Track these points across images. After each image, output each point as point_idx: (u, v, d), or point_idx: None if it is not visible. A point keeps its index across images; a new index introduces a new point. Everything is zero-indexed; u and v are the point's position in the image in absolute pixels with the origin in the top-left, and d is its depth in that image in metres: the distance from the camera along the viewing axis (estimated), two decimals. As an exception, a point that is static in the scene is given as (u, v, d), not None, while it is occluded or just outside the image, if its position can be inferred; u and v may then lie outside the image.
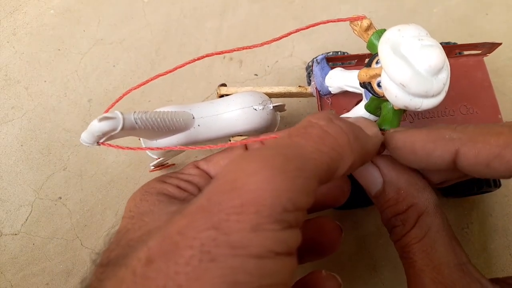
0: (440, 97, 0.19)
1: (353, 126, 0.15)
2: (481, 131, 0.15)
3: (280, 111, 0.31)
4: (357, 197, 0.29)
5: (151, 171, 0.36)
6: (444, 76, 0.18)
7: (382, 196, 0.18)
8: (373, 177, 0.19)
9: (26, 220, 0.36)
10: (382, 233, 0.34)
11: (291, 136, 0.14)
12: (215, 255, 0.10)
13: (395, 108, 0.20)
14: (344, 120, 0.15)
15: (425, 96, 0.18)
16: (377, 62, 0.20)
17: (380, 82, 0.20)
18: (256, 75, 0.40)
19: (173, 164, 0.37)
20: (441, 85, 0.18)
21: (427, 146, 0.16)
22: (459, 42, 0.32)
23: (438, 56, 0.17)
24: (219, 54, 0.22)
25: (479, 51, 0.30)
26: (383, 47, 0.18)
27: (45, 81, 0.41)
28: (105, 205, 0.36)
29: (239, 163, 0.12)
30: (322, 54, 0.30)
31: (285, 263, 0.11)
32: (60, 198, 0.37)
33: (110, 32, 0.43)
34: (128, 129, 0.22)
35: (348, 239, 0.34)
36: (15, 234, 0.36)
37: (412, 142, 0.17)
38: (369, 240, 0.34)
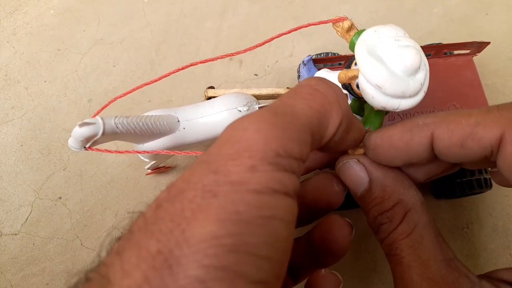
0: (418, 98, 0.19)
1: (342, 91, 0.16)
2: (453, 114, 0.16)
3: None
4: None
5: (148, 174, 0.36)
6: (422, 76, 0.18)
7: (368, 195, 0.18)
8: (360, 176, 0.18)
9: (26, 220, 0.36)
10: (382, 233, 0.34)
11: (281, 98, 0.14)
12: (216, 192, 0.11)
13: (376, 109, 0.21)
14: (334, 83, 0.15)
15: (402, 96, 0.18)
16: (355, 64, 0.20)
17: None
18: (256, 75, 0.40)
19: (170, 167, 0.37)
20: (419, 86, 0.18)
21: (404, 136, 0.16)
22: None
23: (413, 56, 0.17)
24: (217, 59, 0.22)
25: (468, 51, 0.31)
26: (359, 49, 0.19)
27: (45, 81, 0.41)
28: (105, 205, 0.36)
29: (233, 124, 0.13)
30: (308, 56, 0.30)
31: (283, 201, 0.12)
32: (60, 198, 0.37)
33: (110, 32, 0.43)
34: (110, 134, 0.22)
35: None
36: (15, 234, 0.36)
37: (389, 136, 0.17)
38: (369, 240, 0.34)
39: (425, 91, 0.19)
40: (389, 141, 0.17)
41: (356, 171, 0.18)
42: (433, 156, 0.16)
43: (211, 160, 0.12)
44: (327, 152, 0.17)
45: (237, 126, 0.12)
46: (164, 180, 0.37)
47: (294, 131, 0.12)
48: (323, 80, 0.15)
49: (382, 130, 0.17)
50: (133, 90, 0.22)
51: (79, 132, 0.20)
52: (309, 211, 0.19)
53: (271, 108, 0.13)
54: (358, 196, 0.19)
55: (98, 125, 0.21)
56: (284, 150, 0.12)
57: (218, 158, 0.12)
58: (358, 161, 0.18)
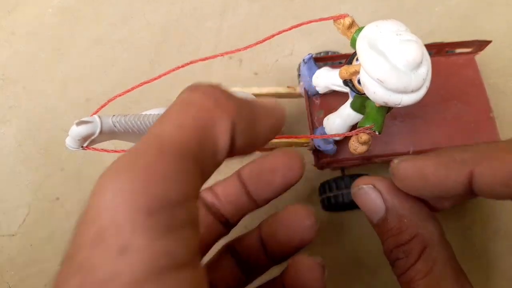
0: (421, 93, 0.18)
1: (224, 89, 0.12)
2: (495, 149, 0.14)
3: None
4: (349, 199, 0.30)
5: None
6: (424, 71, 0.18)
7: (384, 224, 0.17)
8: (375, 204, 0.17)
9: (24, 221, 0.36)
10: (383, 234, 0.34)
11: (149, 128, 0.12)
12: None
13: (377, 105, 0.20)
14: (214, 84, 0.12)
15: (404, 91, 0.18)
16: (357, 59, 0.20)
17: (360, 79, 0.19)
18: (256, 74, 0.40)
19: None
20: (421, 80, 0.18)
21: (439, 171, 0.15)
22: (460, 42, 0.32)
23: (415, 51, 0.17)
24: (216, 57, 0.22)
25: (470, 49, 0.31)
26: (360, 43, 0.18)
27: (43, 80, 0.41)
28: (104, 205, 0.36)
29: (95, 185, 0.10)
30: (309, 54, 0.30)
31: (175, 279, 0.09)
32: (58, 198, 0.36)
33: (109, 32, 0.43)
34: (108, 133, 0.22)
35: (347, 241, 0.34)
36: (13, 235, 0.36)
37: (421, 169, 0.15)
38: (368, 240, 0.33)
39: (427, 87, 0.19)
40: (421, 173, 0.15)
41: (372, 198, 0.17)
42: (470, 191, 0.15)
43: (74, 252, 0.09)
44: (247, 154, 0.14)
45: (96, 189, 0.10)
46: (163, 181, 0.37)
47: (165, 169, 0.09)
48: (196, 87, 0.12)
49: (414, 162, 0.16)
50: (133, 88, 0.22)
51: (76, 131, 0.20)
52: (281, 249, 0.18)
53: (133, 148, 0.10)
54: (374, 223, 0.18)
55: (95, 124, 0.21)
56: (159, 201, 0.09)
57: (80, 247, 0.09)
58: (374, 187, 0.17)
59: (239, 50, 0.22)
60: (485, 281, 0.32)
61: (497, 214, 0.34)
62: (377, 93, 0.18)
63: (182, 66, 0.22)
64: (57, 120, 0.39)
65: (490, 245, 0.33)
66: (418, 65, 0.18)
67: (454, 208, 0.34)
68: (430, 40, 0.40)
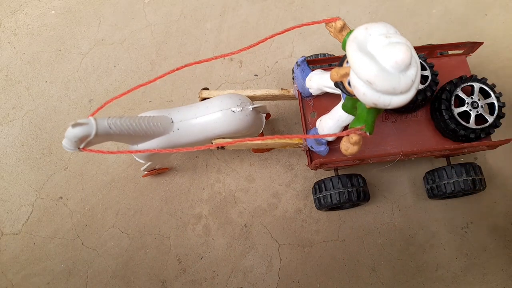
0: (410, 94, 0.19)
1: None
2: None
3: (262, 113, 0.32)
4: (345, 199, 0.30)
5: (144, 176, 0.36)
6: (413, 73, 0.18)
7: None
8: None
9: (27, 219, 0.36)
10: (382, 233, 0.34)
11: None
12: None
13: (367, 106, 0.21)
14: None
15: (393, 93, 0.18)
16: (347, 62, 0.21)
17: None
18: (256, 75, 0.40)
19: (166, 169, 0.37)
20: (410, 82, 0.18)
21: None
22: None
23: (404, 53, 0.17)
24: (211, 60, 0.23)
25: (462, 51, 0.31)
26: (349, 45, 0.19)
27: (46, 81, 0.41)
28: (106, 204, 0.37)
29: None
30: (302, 57, 0.31)
31: None
32: (61, 198, 0.37)
33: (110, 33, 0.43)
34: (103, 135, 0.22)
35: (348, 239, 0.34)
36: (16, 234, 0.36)
37: None
38: (368, 240, 0.34)
39: (417, 88, 0.19)
40: None
41: None
42: None
43: None
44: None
45: None
46: (165, 180, 0.37)
47: None
48: None
49: None
50: (129, 91, 0.22)
51: (72, 132, 0.20)
52: None
53: None
54: None
55: (91, 126, 0.21)
56: None
57: None
58: None
59: (234, 53, 0.22)
60: (482, 277, 0.32)
61: (493, 213, 0.34)
62: (366, 94, 0.19)
63: (178, 69, 0.22)
64: (60, 120, 0.40)
65: (487, 242, 0.33)
66: (407, 66, 0.18)
67: (451, 207, 0.34)
68: (428, 41, 0.40)
